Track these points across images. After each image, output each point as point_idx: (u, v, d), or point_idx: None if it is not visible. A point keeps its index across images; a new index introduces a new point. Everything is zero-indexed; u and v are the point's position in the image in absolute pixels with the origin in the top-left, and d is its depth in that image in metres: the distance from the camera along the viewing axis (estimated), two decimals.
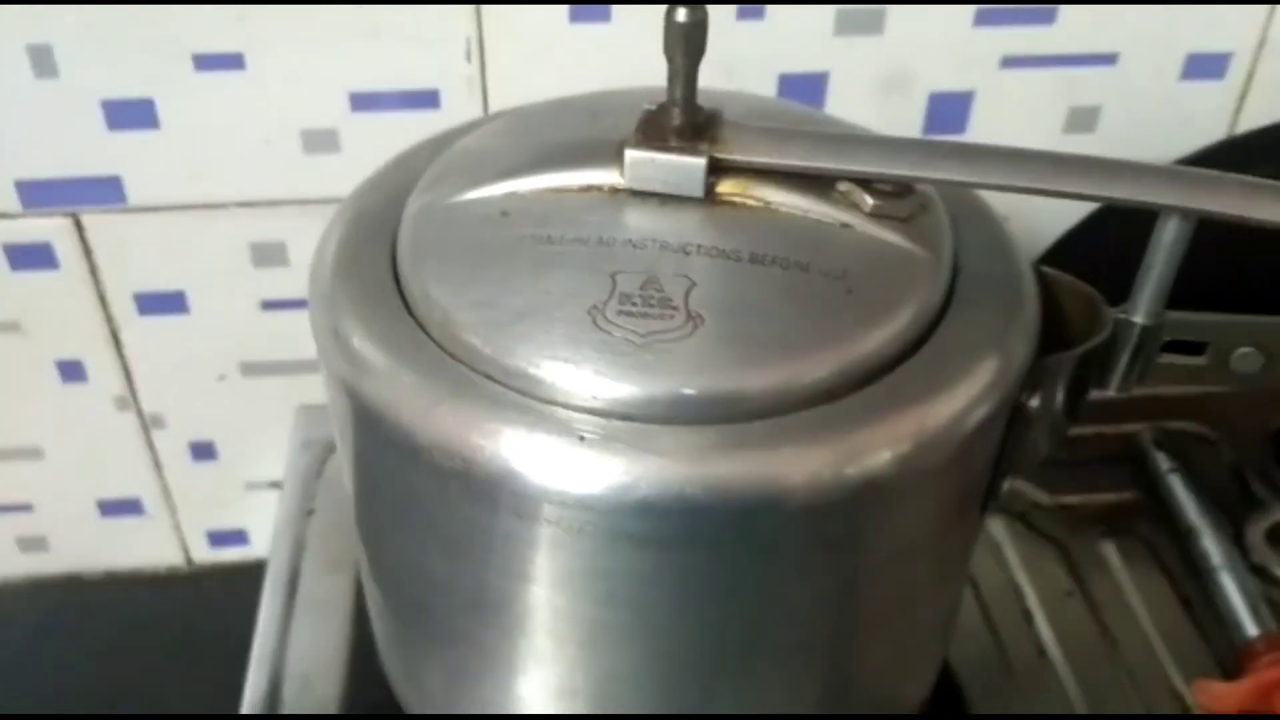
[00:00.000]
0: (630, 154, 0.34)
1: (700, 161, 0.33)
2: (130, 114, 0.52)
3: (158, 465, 0.63)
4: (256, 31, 0.50)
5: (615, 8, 0.51)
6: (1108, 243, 0.49)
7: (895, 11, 0.53)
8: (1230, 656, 0.49)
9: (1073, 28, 0.54)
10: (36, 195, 0.53)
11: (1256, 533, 0.53)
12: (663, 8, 0.32)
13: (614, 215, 0.34)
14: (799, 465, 0.30)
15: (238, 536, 0.67)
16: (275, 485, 0.62)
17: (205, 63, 0.51)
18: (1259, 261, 0.46)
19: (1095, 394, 0.36)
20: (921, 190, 0.35)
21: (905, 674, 0.41)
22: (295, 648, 0.50)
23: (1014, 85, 0.55)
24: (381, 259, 0.35)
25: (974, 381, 0.32)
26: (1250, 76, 0.56)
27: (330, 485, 0.57)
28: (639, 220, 0.34)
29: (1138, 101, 0.57)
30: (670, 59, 0.33)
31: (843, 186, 0.34)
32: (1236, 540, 0.53)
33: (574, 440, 0.29)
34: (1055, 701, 0.48)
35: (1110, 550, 0.54)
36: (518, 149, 0.37)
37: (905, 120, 0.56)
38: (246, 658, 0.50)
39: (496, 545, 0.32)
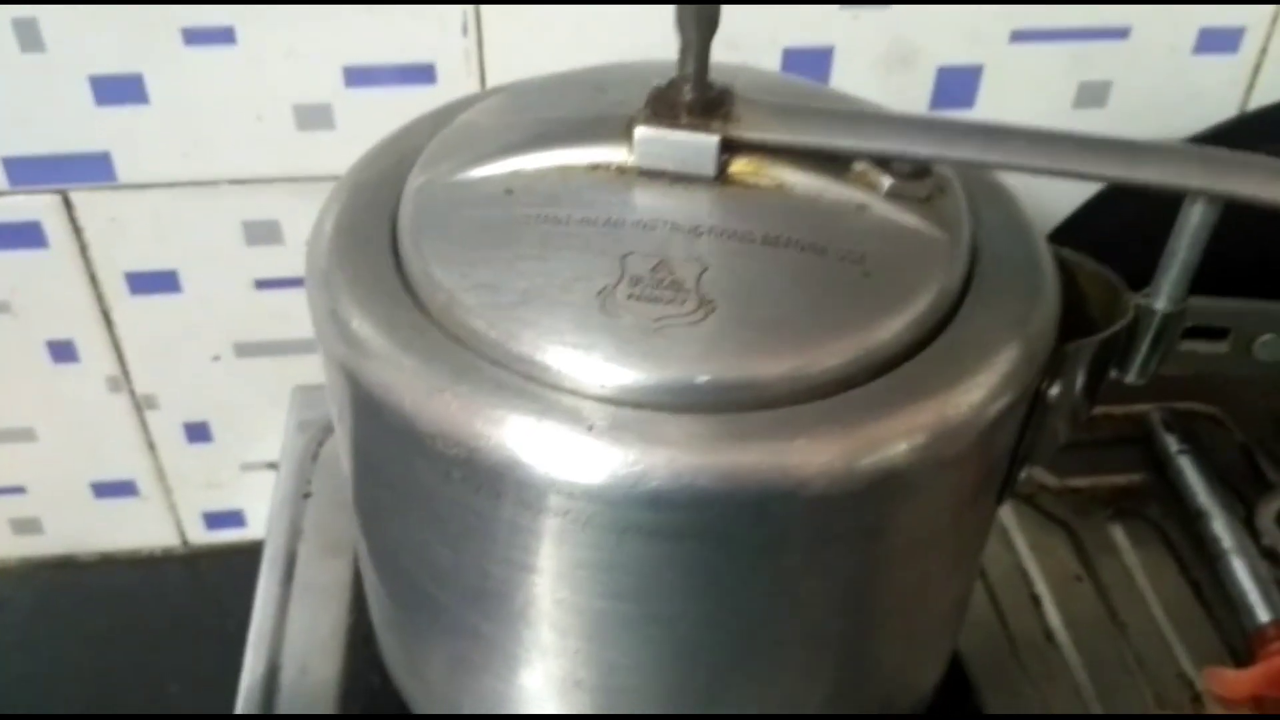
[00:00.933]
0: (640, 131, 0.33)
1: (713, 139, 0.32)
2: (119, 89, 0.50)
3: (152, 446, 0.62)
4: (247, 4, 0.49)
5: None
6: (1119, 220, 0.49)
7: None
8: (1240, 641, 0.48)
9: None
10: (24, 172, 0.52)
11: (1267, 515, 0.52)
12: None
13: (623, 195, 0.33)
14: (813, 456, 0.29)
15: (234, 518, 0.66)
16: (272, 466, 0.61)
17: (195, 37, 0.49)
18: None
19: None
20: (939, 171, 0.34)
21: (916, 663, 0.40)
22: (292, 631, 0.50)
23: (1023, 59, 0.54)
24: (381, 238, 0.34)
25: (994, 370, 0.31)
26: (1264, 51, 0.55)
27: (327, 467, 0.56)
28: (649, 200, 0.33)
29: (1149, 76, 0.56)
30: (682, 32, 0.31)
31: (859, 166, 0.33)
32: (1247, 523, 0.52)
33: (582, 429, 0.29)
34: (1064, 687, 0.47)
35: (1119, 533, 0.53)
36: (522, 125, 0.35)
37: (912, 95, 0.55)
38: (243, 640, 0.49)
39: (500, 535, 0.31)
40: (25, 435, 0.61)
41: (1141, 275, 0.34)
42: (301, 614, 0.50)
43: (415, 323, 0.31)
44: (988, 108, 0.56)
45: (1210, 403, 0.58)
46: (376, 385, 0.31)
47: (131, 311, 0.57)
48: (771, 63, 0.53)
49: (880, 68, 0.54)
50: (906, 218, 0.33)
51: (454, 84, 0.52)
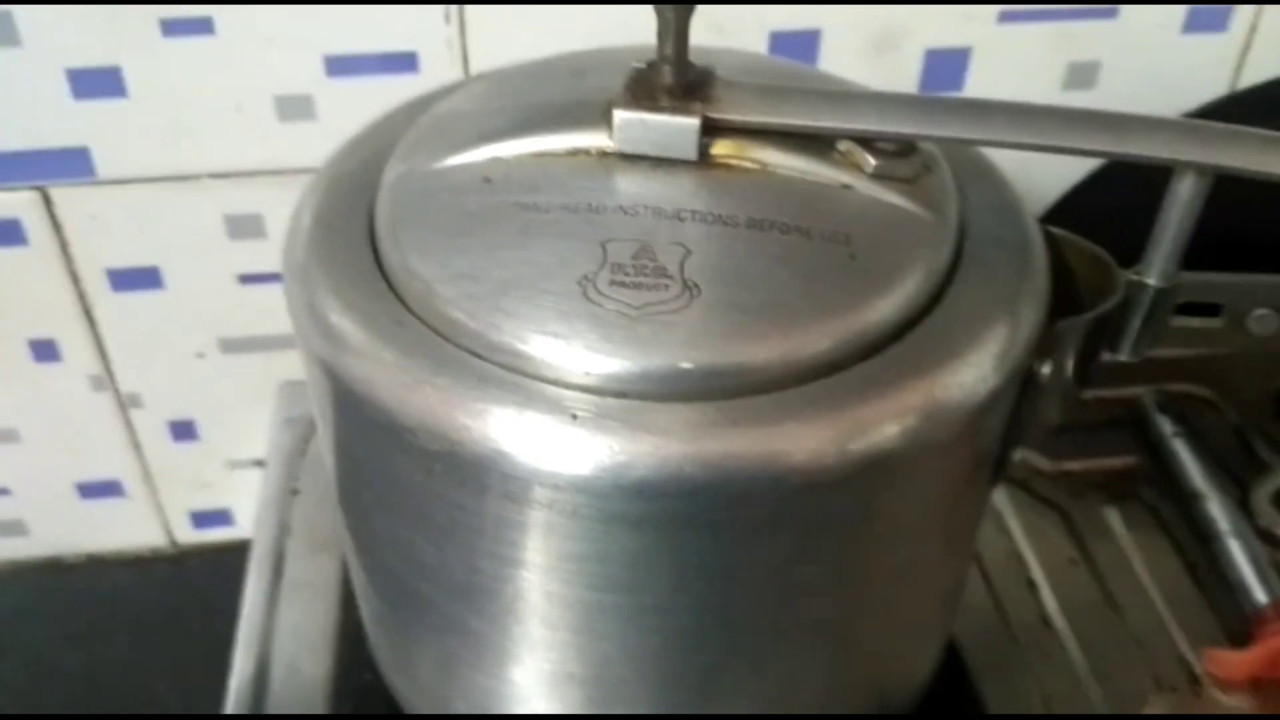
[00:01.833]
0: (619, 115, 0.32)
1: (694, 122, 0.32)
2: (97, 82, 0.50)
3: (137, 445, 0.61)
4: None
5: None
6: (1111, 201, 0.48)
7: None
8: (1238, 623, 0.48)
9: None
10: (2, 169, 0.51)
11: (1263, 497, 0.52)
12: None
13: (603, 180, 0.32)
14: (802, 441, 0.28)
15: (221, 517, 0.65)
16: (259, 464, 0.61)
17: (173, 28, 0.49)
18: (1275, 218, 0.45)
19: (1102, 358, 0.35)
20: (925, 150, 0.34)
21: (912, 650, 0.40)
22: (282, 630, 0.49)
23: (1012, 40, 0.54)
24: (358, 230, 0.33)
25: (984, 350, 0.30)
26: (1253, 29, 0.55)
27: (315, 464, 0.56)
28: (630, 185, 0.32)
29: (1138, 56, 0.55)
30: (660, 13, 0.31)
31: (843, 147, 0.33)
32: (1242, 504, 0.52)
33: (566, 419, 0.28)
34: (1061, 670, 0.47)
35: (1114, 516, 0.53)
36: (500, 112, 0.35)
37: (901, 78, 0.54)
38: (232, 640, 0.49)
39: (486, 529, 0.30)
40: (9, 436, 0.60)
41: (1134, 257, 0.34)
42: (291, 612, 0.50)
43: (395, 315, 0.31)
44: (976, 90, 0.55)
45: (1203, 385, 0.58)
46: (356, 380, 0.30)
47: (113, 309, 0.56)
48: (758, 46, 0.53)
49: (868, 50, 0.53)
50: (892, 198, 0.32)
51: (437, 73, 0.51)
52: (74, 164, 0.52)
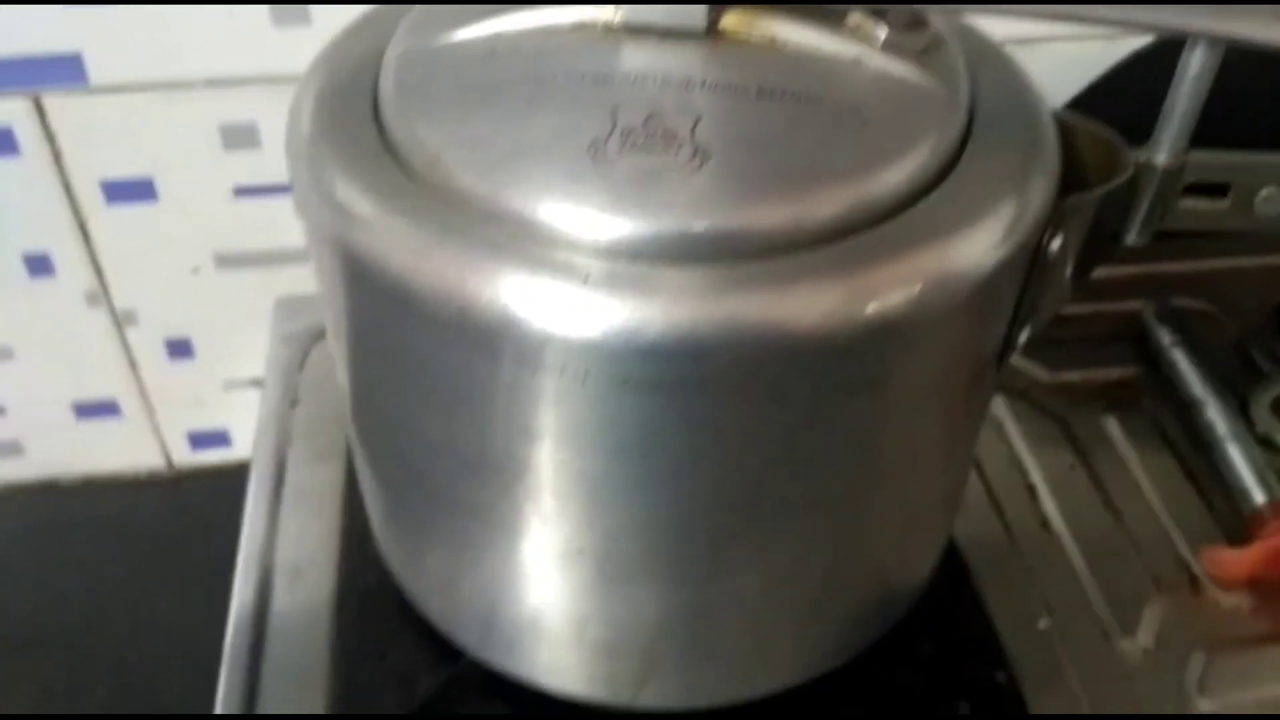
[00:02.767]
0: None
1: None
2: None
3: (133, 364, 0.61)
4: None
5: None
6: (1125, 104, 0.48)
7: None
8: (1237, 526, 0.48)
9: None
10: None
11: (1262, 404, 0.52)
12: None
13: (610, 53, 0.32)
14: (812, 304, 0.28)
15: (219, 438, 0.65)
16: (256, 384, 0.60)
17: None
18: None
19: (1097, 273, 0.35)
20: (934, 27, 0.33)
21: (914, 540, 0.40)
22: (284, 540, 0.49)
23: None
24: (363, 106, 0.33)
25: (994, 220, 0.30)
26: None
27: (313, 379, 0.56)
28: (638, 57, 0.32)
29: None
30: None
31: (853, 20, 0.32)
32: (1241, 412, 0.52)
33: (577, 282, 0.28)
34: (1060, 572, 0.47)
35: (1113, 425, 0.53)
36: None
37: None
38: (232, 562, 0.48)
39: (497, 398, 0.30)
40: (3, 354, 0.60)
41: None
42: (293, 522, 0.50)
43: (401, 186, 0.30)
44: None
45: (1202, 298, 0.58)
46: (366, 251, 0.30)
47: (108, 222, 0.56)
48: None
49: None
50: (903, 70, 0.32)
51: None
52: (67, 70, 0.51)
